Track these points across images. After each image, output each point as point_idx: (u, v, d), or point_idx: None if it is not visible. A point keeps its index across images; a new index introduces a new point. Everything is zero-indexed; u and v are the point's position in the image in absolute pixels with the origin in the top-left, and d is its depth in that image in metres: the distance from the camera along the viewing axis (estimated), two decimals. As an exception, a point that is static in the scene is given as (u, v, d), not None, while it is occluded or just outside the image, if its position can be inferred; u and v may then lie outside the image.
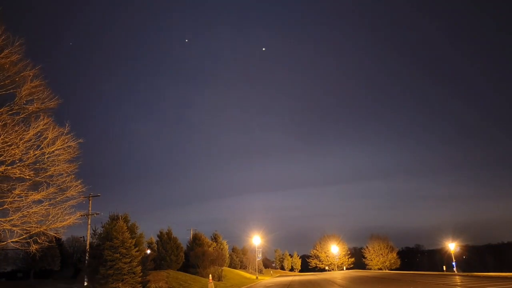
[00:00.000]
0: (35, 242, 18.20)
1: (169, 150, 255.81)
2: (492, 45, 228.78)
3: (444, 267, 66.30)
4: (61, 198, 18.99)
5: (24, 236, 17.71)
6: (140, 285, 27.83)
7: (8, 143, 16.80)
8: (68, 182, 19.19)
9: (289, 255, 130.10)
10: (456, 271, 57.96)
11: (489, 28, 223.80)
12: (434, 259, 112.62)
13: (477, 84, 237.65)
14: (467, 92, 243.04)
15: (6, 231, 17.14)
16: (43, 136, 18.28)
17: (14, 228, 17.11)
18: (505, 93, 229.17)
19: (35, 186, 18.21)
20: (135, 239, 30.18)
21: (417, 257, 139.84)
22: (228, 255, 70.71)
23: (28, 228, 17.55)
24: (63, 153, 18.99)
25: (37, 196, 17.78)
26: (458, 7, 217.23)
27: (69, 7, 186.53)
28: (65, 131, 19.12)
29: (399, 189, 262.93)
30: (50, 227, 18.32)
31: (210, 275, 36.14)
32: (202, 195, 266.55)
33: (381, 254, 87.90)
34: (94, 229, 33.54)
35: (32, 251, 18.10)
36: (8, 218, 16.98)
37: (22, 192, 17.42)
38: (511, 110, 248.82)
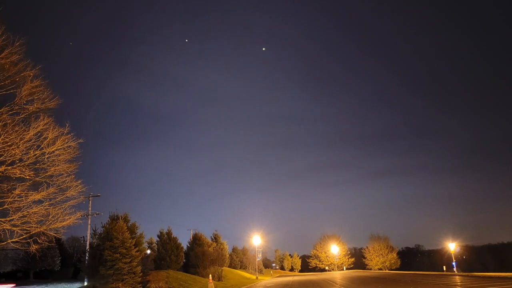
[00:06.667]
0: (35, 242, 18.22)
1: (169, 150, 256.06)
2: None
3: (444, 267, 66.30)
4: (61, 198, 19.01)
5: (24, 236, 17.73)
6: (140, 285, 27.83)
7: (8, 143, 16.82)
8: (68, 182, 19.22)
9: (289, 255, 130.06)
10: (456, 271, 57.93)
11: None
12: (434, 259, 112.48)
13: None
14: (472, 96, 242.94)
15: (6, 231, 17.16)
16: (43, 136, 18.29)
17: (14, 228, 17.14)
18: None
19: (35, 186, 18.25)
20: (135, 239, 30.19)
21: (417, 257, 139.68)
22: (228, 255, 70.68)
23: (28, 228, 17.57)
24: (63, 153, 19.01)
25: (37, 196, 17.79)
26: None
27: (69, 7, 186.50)
28: (65, 131, 19.17)
29: (399, 189, 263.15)
30: (50, 227, 18.33)
31: (210, 275, 36.16)
32: (202, 195, 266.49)
33: (381, 254, 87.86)
34: (94, 229, 33.56)
35: (32, 251, 18.13)
36: (8, 218, 17.00)
37: (22, 192, 17.43)
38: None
